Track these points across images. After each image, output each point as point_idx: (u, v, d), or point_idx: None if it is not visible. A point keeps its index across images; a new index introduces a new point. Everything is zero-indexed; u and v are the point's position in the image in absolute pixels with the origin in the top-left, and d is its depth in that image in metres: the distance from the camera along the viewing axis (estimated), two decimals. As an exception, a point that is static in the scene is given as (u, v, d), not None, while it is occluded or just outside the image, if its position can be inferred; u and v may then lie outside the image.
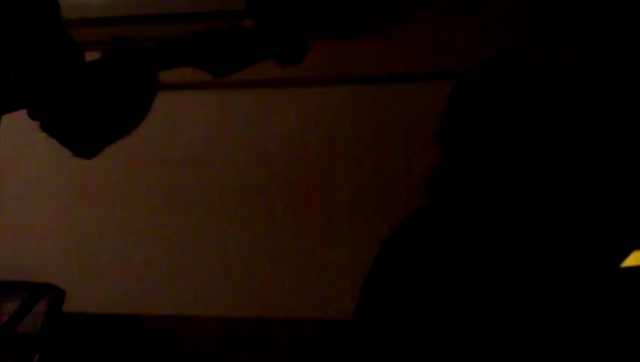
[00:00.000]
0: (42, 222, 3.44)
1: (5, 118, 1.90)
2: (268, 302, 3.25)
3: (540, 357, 1.87)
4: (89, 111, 1.87)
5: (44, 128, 1.94)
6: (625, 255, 1.92)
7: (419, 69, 3.18)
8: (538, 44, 3.05)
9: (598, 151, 2.18)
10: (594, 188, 2.09)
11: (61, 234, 3.42)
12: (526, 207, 1.98)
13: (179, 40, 1.84)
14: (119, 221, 3.39)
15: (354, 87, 3.24)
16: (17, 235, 3.39)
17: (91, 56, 1.92)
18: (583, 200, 2.04)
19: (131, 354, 3.32)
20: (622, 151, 2.52)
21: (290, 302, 3.24)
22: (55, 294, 2.85)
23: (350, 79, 3.24)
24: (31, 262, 3.40)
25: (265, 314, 3.26)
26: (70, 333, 3.28)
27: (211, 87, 3.28)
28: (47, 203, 3.44)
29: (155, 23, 3.10)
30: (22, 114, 1.96)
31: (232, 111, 3.34)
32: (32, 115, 1.92)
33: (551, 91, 2.03)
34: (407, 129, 3.18)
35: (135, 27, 2.97)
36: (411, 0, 3.19)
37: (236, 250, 3.31)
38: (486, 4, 3.13)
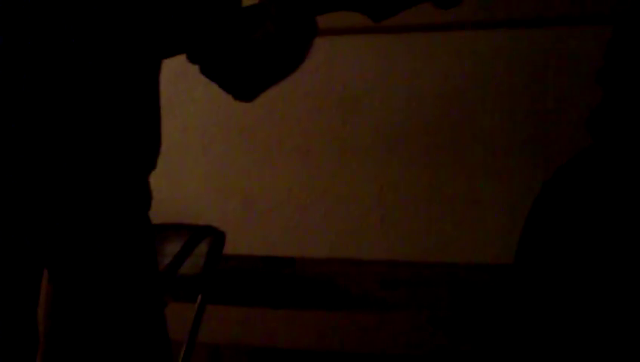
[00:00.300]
0: (202, 166, 3.53)
1: (165, 62, 1.94)
2: (425, 246, 3.25)
3: None
4: (248, 55, 1.89)
5: (204, 72, 1.97)
6: None
7: (576, 12, 3.10)
8: None
9: None
10: None
11: (221, 178, 3.50)
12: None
13: None
14: (276, 164, 3.44)
15: (508, 31, 3.19)
16: (178, 179, 3.49)
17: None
18: None
19: (290, 295, 3.38)
20: None
21: (448, 246, 3.23)
22: (216, 236, 2.89)
23: (510, 23, 3.19)
24: (192, 205, 3.50)
25: (422, 258, 3.26)
26: (231, 275, 3.37)
27: (368, 31, 3.28)
28: (207, 147, 3.52)
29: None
30: (180, 60, 2.00)
31: (388, 56, 3.33)
32: (192, 59, 1.96)
33: None
34: (564, 74, 3.11)
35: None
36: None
37: (392, 193, 3.32)
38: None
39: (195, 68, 2.00)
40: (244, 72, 1.94)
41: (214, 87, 2.04)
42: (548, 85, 3.14)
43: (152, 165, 1.92)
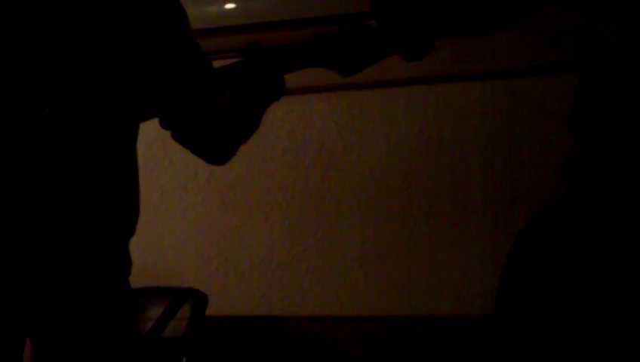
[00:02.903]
0: (182, 228, 3.52)
1: (141, 127, 1.95)
2: (406, 300, 3.25)
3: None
4: (217, 118, 1.90)
5: (175, 137, 1.98)
6: None
7: (544, 62, 3.13)
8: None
9: None
10: None
11: (200, 240, 3.49)
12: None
13: (305, 41, 1.86)
14: (256, 224, 3.44)
15: (482, 83, 3.21)
16: (158, 242, 3.48)
17: (216, 64, 1.96)
18: None
19: (274, 354, 3.36)
20: None
21: (428, 300, 3.22)
22: (198, 298, 2.90)
23: (479, 75, 3.21)
24: (173, 268, 3.48)
25: (405, 313, 3.25)
26: (214, 336, 3.35)
27: (339, 88, 3.30)
28: (186, 210, 3.52)
29: (280, 30, 3.13)
30: (155, 126, 2.01)
31: (361, 111, 3.35)
32: (164, 125, 1.96)
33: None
34: (539, 122, 3.13)
35: (261, 34, 3.01)
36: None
37: (374, 248, 3.32)
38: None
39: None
40: (213, 136, 1.94)
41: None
42: (523, 133, 3.16)
43: (131, 231, 1.92)
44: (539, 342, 1.93)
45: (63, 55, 1.77)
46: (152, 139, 3.24)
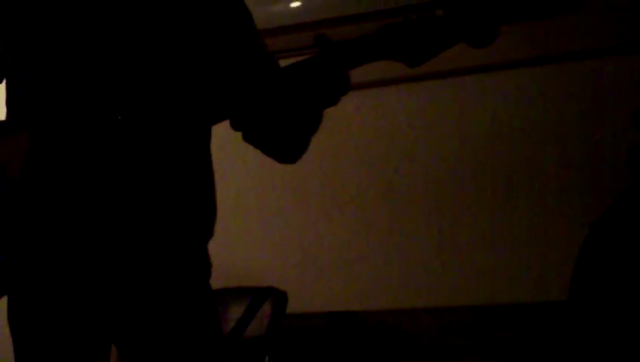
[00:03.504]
0: (258, 228, 3.54)
1: (213, 129, 1.97)
2: (484, 289, 3.23)
3: None
4: (285, 117, 1.90)
5: (246, 138, 1.99)
6: None
7: (613, 43, 3.09)
8: None
9: None
10: None
11: (278, 238, 3.52)
12: None
13: (371, 34, 1.85)
14: (332, 220, 3.45)
15: (551, 68, 3.18)
16: (236, 242, 3.50)
17: (283, 63, 1.96)
18: None
19: (355, 349, 3.37)
20: None
21: (506, 288, 3.20)
22: (278, 297, 2.92)
23: (548, 59, 3.18)
24: (251, 267, 3.51)
25: (485, 301, 3.24)
26: (295, 334, 3.36)
27: (408, 80, 3.29)
28: (262, 209, 3.54)
29: (346, 24, 3.14)
30: (226, 127, 2.03)
31: (431, 102, 3.34)
32: (235, 126, 1.98)
33: None
34: (613, 105, 3.09)
35: (326, 30, 3.02)
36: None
37: (450, 237, 3.31)
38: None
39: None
40: (282, 135, 1.95)
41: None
42: (597, 117, 3.12)
43: (210, 233, 1.93)
44: (613, 327, 1.92)
45: (136, 60, 1.79)
46: (225, 140, 3.24)
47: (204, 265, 1.93)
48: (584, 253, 2.02)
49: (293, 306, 3.06)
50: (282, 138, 1.95)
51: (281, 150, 2.00)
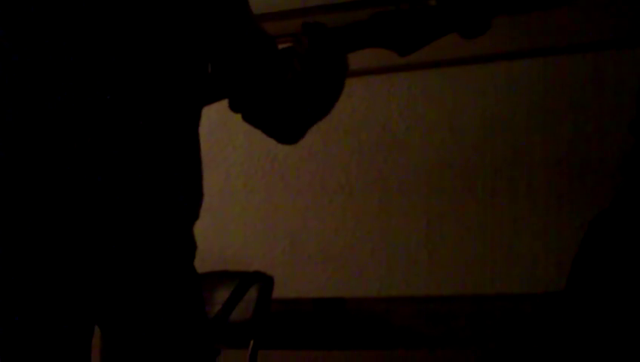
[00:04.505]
0: (246, 212, 3.55)
1: (203, 113, 1.97)
2: (471, 279, 3.24)
3: None
4: (284, 97, 1.91)
5: (246, 118, 2.00)
6: None
7: (603, 37, 3.09)
8: None
9: None
10: None
11: (266, 223, 3.52)
12: None
13: (362, 21, 1.86)
14: (320, 207, 3.45)
15: (542, 60, 3.19)
16: (223, 227, 3.51)
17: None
18: None
19: (341, 335, 3.38)
20: None
21: (492, 278, 3.21)
22: (264, 281, 2.92)
23: (538, 51, 3.19)
24: (238, 252, 3.52)
25: (472, 291, 3.25)
26: (281, 319, 3.37)
27: (399, 69, 3.29)
28: (250, 193, 3.55)
29: (338, 12, 3.14)
30: (218, 110, 2.03)
31: (422, 92, 3.34)
32: (233, 107, 1.98)
33: None
34: (602, 99, 3.10)
35: (319, 17, 3.02)
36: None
37: (438, 227, 3.32)
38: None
39: (233, 116, 2.03)
40: (283, 114, 1.95)
41: (254, 134, 2.06)
42: (586, 110, 3.13)
43: (195, 215, 1.94)
44: (605, 327, 1.93)
45: (129, 39, 1.80)
46: (215, 125, 3.26)
47: (189, 246, 1.94)
48: (583, 250, 2.03)
49: (281, 292, 3.07)
50: (282, 119, 1.96)
51: (281, 130, 2.00)
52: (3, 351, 1.83)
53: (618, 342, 1.89)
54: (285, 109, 1.94)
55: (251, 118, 1.99)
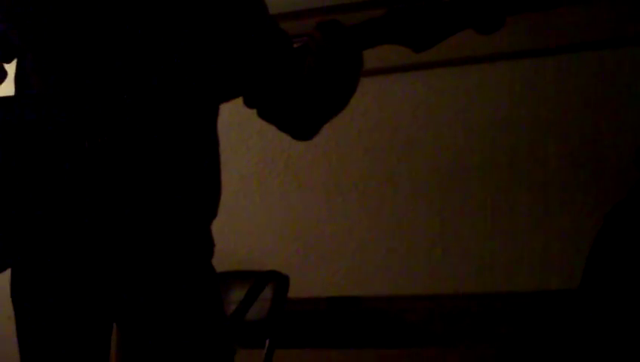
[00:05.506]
0: (261, 212, 3.56)
1: (219, 114, 1.98)
2: (485, 277, 3.24)
3: None
4: (300, 94, 1.91)
5: (261, 115, 2.00)
6: None
7: (619, 35, 3.10)
8: None
9: None
10: None
11: (281, 223, 3.53)
12: None
13: (377, 18, 1.86)
14: (334, 206, 3.46)
15: (557, 59, 3.19)
16: (239, 227, 3.52)
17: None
18: None
19: (355, 334, 3.38)
20: None
21: (507, 276, 3.21)
22: (279, 281, 2.91)
23: (553, 50, 3.19)
24: (254, 251, 3.53)
25: (483, 289, 3.25)
26: (296, 318, 3.38)
27: (412, 68, 3.30)
28: (265, 194, 3.56)
29: (353, 12, 3.14)
30: (232, 111, 2.03)
31: (435, 90, 3.35)
32: (248, 103, 1.98)
33: None
34: (619, 96, 3.10)
35: (333, 16, 3.03)
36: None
37: (452, 226, 3.32)
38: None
39: (247, 117, 2.03)
40: (297, 110, 1.96)
41: (268, 135, 2.07)
42: (601, 108, 3.13)
43: (214, 213, 1.94)
44: (621, 319, 1.93)
45: (146, 38, 1.81)
46: (229, 125, 3.26)
47: (208, 244, 1.94)
48: (598, 244, 2.02)
49: (296, 291, 3.07)
50: (297, 115, 1.96)
51: (296, 126, 2.00)
52: (24, 349, 1.84)
53: (635, 335, 1.90)
54: (300, 105, 1.94)
55: (266, 114, 1.99)
